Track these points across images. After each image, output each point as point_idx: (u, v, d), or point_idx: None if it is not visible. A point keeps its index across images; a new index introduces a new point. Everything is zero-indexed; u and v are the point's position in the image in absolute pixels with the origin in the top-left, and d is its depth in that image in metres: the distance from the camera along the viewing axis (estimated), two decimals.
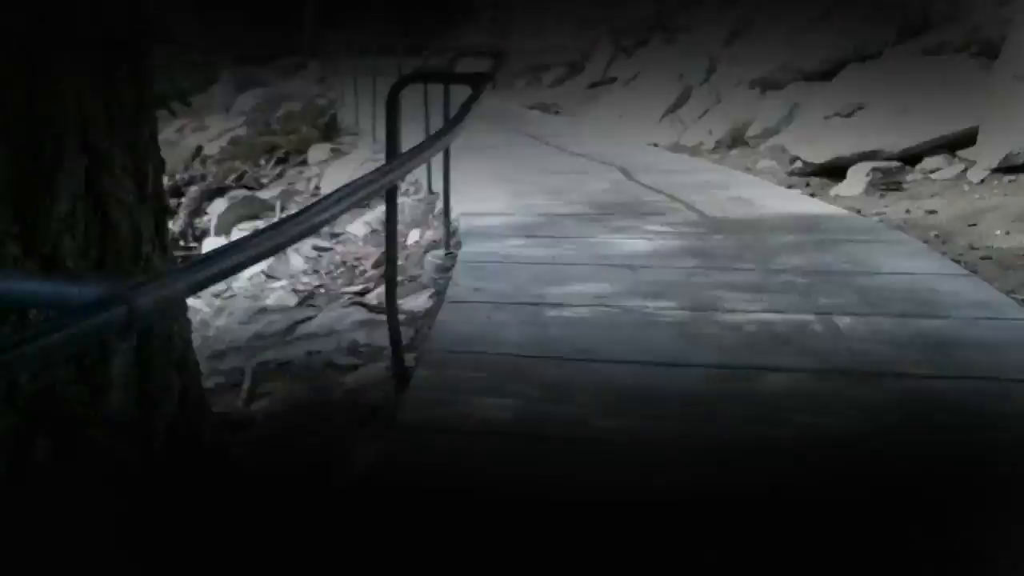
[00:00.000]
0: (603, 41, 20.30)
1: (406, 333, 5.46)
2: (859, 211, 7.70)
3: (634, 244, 6.49)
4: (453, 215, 7.93)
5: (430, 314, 5.50)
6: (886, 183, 8.30)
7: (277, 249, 2.73)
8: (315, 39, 38.02)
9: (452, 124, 4.10)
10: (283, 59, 34.78)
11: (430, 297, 5.97)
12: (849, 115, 9.06)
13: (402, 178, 3.86)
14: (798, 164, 9.22)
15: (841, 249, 6.26)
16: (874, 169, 8.43)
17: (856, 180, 8.47)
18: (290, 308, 6.27)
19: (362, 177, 3.37)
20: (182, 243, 12.99)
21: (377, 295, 7.04)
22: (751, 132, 11.06)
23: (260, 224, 12.00)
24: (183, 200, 13.63)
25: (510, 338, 4.53)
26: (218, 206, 12.82)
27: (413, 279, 6.90)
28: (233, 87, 23.99)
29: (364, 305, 5.85)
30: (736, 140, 11.33)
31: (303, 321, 5.88)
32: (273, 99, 21.19)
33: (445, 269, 6.41)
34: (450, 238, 6.87)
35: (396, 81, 4.44)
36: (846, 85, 9.70)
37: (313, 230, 3.01)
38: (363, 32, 48.66)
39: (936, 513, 3.00)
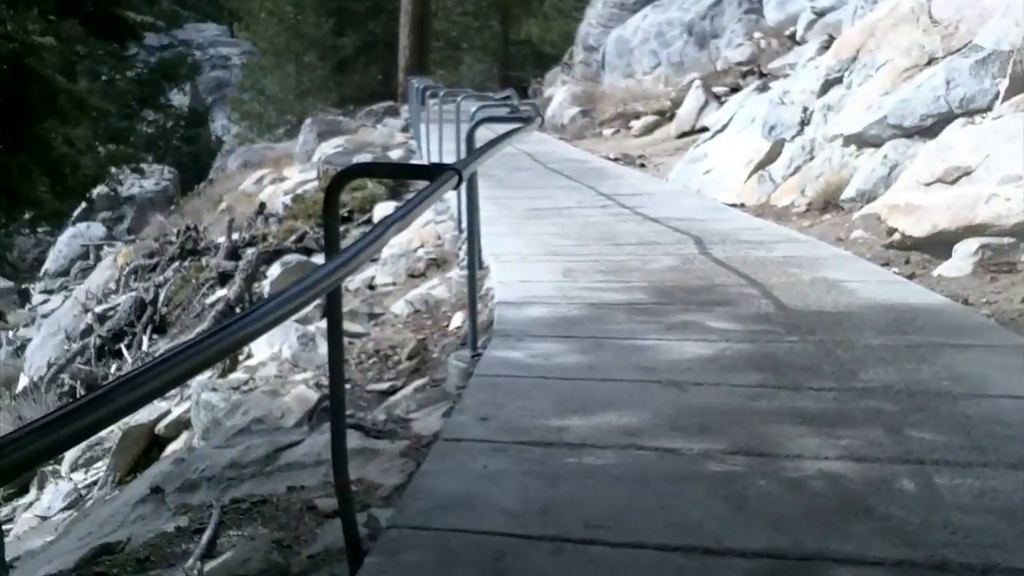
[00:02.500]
0: (695, 87, 19.25)
1: (404, 469, 4.55)
2: (966, 300, 6.60)
3: (691, 349, 5.48)
4: (496, 298, 7.04)
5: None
6: (997, 263, 7.17)
7: (144, 401, 1.89)
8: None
9: (389, 222, 3.21)
10: (375, 103, 34.31)
11: (444, 415, 5.05)
12: (954, 182, 7.96)
13: (346, 278, 2.98)
14: (896, 236, 8.14)
15: (942, 359, 5.18)
16: (983, 246, 7.31)
17: (963, 258, 7.35)
18: (274, 431, 5.36)
19: (291, 285, 2.52)
20: (237, 310, 12.27)
21: (402, 397, 6.16)
22: (845, 195, 9.97)
23: None
24: (240, 264, 12.90)
25: (503, 502, 3.56)
26: (275, 271, 12.06)
27: (436, 384, 6.00)
28: (316, 135, 23.37)
29: (362, 428, 4.92)
30: (829, 203, 10.24)
31: (289, 447, 4.98)
32: (353, 148, 20.48)
33: (469, 375, 5.47)
34: (477, 336, 5.92)
35: (336, 176, 3.55)
36: (950, 145, 8.58)
37: (208, 365, 2.17)
38: (460, 76, 48.45)
39: None
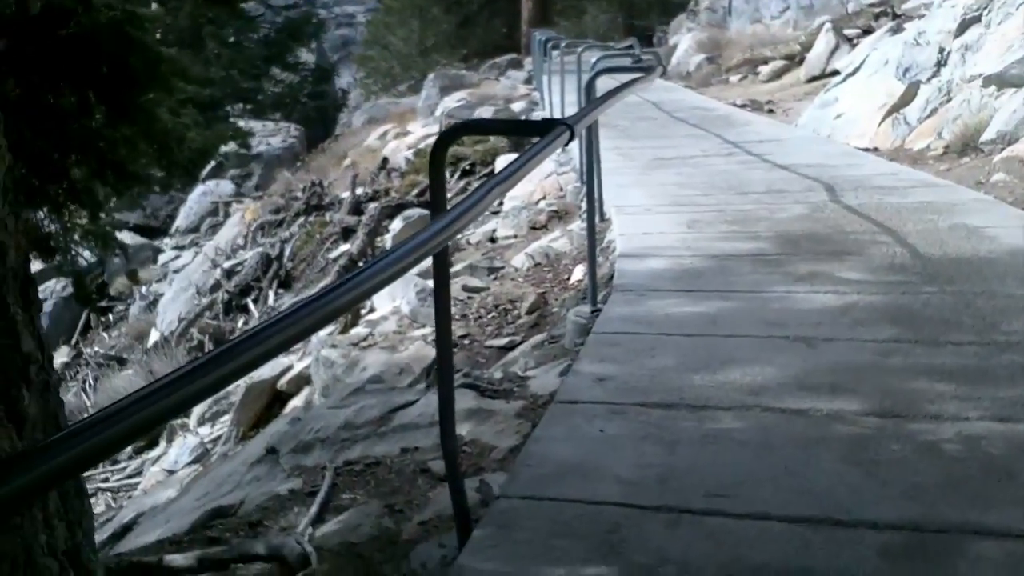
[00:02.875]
0: (825, 30, 18.63)
1: (519, 431, 4.39)
2: None
3: (821, 301, 5.22)
4: (617, 251, 6.84)
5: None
6: None
7: (267, 357, 1.81)
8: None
9: (492, 184, 3.01)
10: (499, 56, 34.15)
11: (562, 374, 4.87)
12: None
13: (451, 239, 2.81)
14: None
15: None
16: None
17: None
18: (389, 391, 5.25)
19: (394, 248, 2.37)
20: (359, 264, 12.25)
21: (520, 353, 6.02)
22: (985, 137, 9.50)
23: None
24: (363, 218, 12.87)
25: (618, 469, 3.38)
26: (397, 225, 12.00)
27: (554, 340, 5.83)
28: (439, 89, 23.28)
29: (477, 388, 4.78)
30: (967, 146, 9.77)
31: (403, 407, 4.87)
32: (475, 102, 20.36)
33: (588, 331, 5.29)
34: (597, 290, 5.72)
35: (441, 134, 3.37)
36: None
37: (314, 330, 2.07)
38: (583, 27, 47.94)
39: None
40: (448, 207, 2.87)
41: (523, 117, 15.93)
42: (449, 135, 3.32)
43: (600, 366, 4.41)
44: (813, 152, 10.71)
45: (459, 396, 4.71)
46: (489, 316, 7.10)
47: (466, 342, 6.81)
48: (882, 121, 11.98)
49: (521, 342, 6.37)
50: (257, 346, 1.76)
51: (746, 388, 4.06)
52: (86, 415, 1.50)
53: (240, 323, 13.00)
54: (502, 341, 6.50)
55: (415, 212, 11.80)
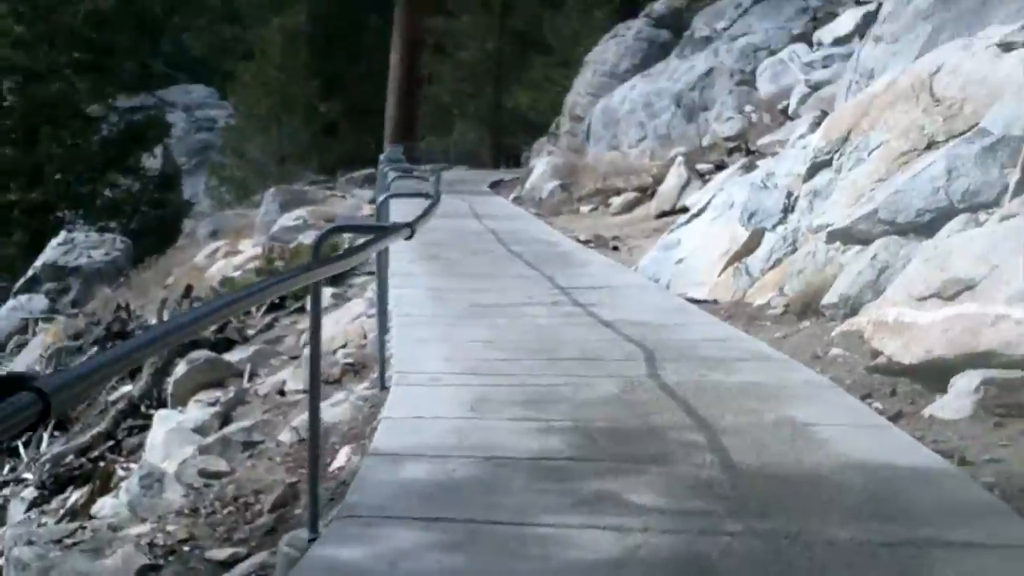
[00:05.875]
0: (677, 164, 17.92)
1: None
2: (963, 458, 5.20)
3: (594, 544, 4.07)
4: (373, 444, 5.65)
5: None
6: (1005, 405, 5.75)
7: None
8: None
9: None
10: (357, 171, 33.30)
11: None
12: (953, 297, 6.59)
13: None
14: (881, 359, 6.76)
15: (931, 571, 3.78)
16: (987, 381, 5.91)
17: (961, 396, 5.94)
18: None
19: None
20: (142, 408, 10.82)
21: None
22: (827, 299, 8.57)
23: (219, 395, 9.80)
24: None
25: None
26: (180, 369, 10.62)
27: (264, 571, 4.58)
28: (279, 205, 22.01)
29: None
30: (808, 307, 8.86)
31: None
32: (312, 221, 19.13)
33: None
34: (319, 510, 4.51)
35: None
36: (950, 250, 7.21)
37: None
38: (450, 143, 47.44)
39: None
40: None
41: (342, 250, 14.67)
42: None
43: None
44: (644, 305, 9.74)
45: None
46: (225, 512, 5.82)
47: (186, 549, 5.51)
48: (723, 270, 11.09)
49: (247, 555, 5.12)
50: None
51: None
52: None
53: (6, 470, 11.41)
54: (225, 553, 5.23)
55: (202, 354, 10.40)
